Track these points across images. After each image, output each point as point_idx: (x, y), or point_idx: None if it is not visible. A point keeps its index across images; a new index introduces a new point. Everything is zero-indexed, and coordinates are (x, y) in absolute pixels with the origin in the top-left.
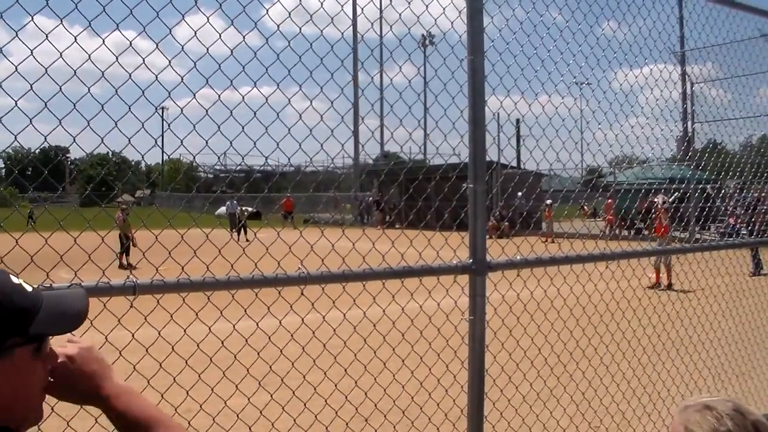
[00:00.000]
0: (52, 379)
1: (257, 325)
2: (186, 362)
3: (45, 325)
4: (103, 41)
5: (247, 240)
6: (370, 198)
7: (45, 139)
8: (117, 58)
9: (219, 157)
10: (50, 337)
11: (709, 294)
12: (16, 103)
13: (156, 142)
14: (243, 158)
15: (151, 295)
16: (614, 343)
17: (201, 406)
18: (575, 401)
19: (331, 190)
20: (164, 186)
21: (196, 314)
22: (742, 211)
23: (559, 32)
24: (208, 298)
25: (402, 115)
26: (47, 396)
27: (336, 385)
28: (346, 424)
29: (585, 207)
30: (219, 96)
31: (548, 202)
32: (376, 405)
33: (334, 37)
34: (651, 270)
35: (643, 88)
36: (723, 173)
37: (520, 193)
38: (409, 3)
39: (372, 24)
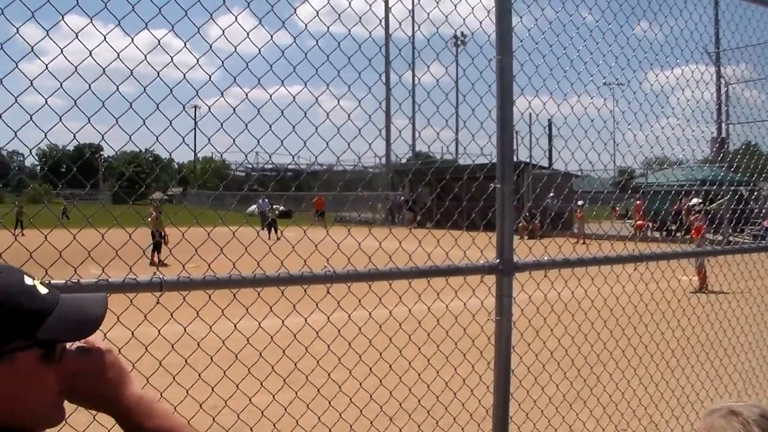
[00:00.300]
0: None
1: (283, 322)
2: (211, 359)
3: (56, 329)
4: (132, 40)
5: (278, 238)
6: (401, 197)
7: (74, 136)
8: (146, 57)
9: (245, 155)
10: (62, 343)
11: (740, 297)
12: (46, 101)
13: (183, 139)
14: (270, 156)
15: (177, 292)
16: (642, 346)
17: (226, 403)
18: (602, 404)
19: (360, 188)
20: (196, 184)
21: (222, 311)
22: None
23: (589, 32)
24: (234, 296)
25: (433, 114)
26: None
27: (361, 384)
28: (371, 422)
29: (616, 208)
30: (246, 94)
31: (579, 203)
32: (401, 404)
33: (365, 36)
34: (680, 273)
35: (674, 89)
36: (757, 175)
37: (552, 194)
38: (437, 3)
39: (400, 23)
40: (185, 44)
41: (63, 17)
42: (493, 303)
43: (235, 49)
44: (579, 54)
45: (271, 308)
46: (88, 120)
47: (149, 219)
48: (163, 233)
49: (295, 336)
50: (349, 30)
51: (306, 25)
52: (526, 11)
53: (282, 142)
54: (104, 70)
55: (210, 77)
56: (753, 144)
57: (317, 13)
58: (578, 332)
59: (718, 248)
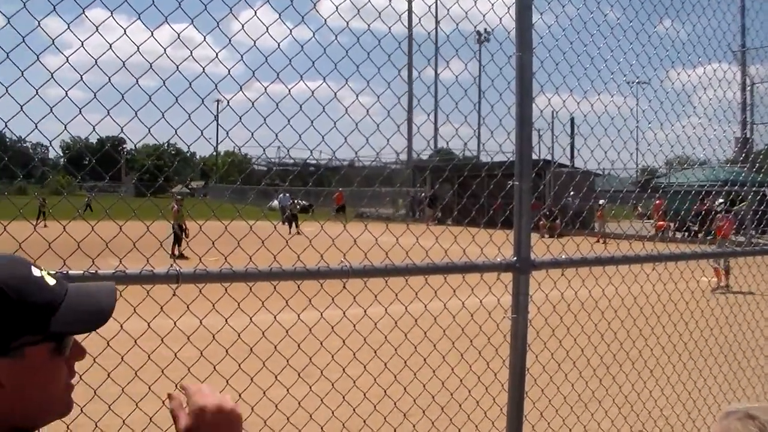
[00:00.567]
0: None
1: (298, 317)
2: (227, 352)
3: (66, 322)
4: (152, 33)
5: (298, 233)
6: (422, 194)
7: (94, 128)
8: (165, 51)
9: (264, 150)
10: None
11: (760, 299)
12: (66, 93)
13: (202, 133)
14: (288, 151)
15: (194, 285)
16: (659, 347)
17: (240, 396)
18: (617, 404)
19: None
20: (218, 178)
21: (238, 304)
22: None
23: (610, 29)
24: (251, 289)
25: (452, 111)
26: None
27: (375, 380)
28: (385, 418)
29: (638, 208)
30: (266, 89)
31: (601, 202)
32: (415, 400)
33: (385, 31)
34: (699, 273)
35: (696, 88)
36: None
37: (572, 192)
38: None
39: (420, 19)
40: (204, 38)
41: (84, 11)
42: (509, 301)
43: (255, 43)
44: (600, 51)
45: (287, 302)
46: (108, 113)
47: (171, 211)
48: (183, 226)
49: (310, 330)
50: (369, 25)
51: (325, 20)
52: (546, 8)
53: (300, 136)
54: (124, 64)
55: (229, 71)
56: None
57: (337, 8)
58: (594, 332)
59: (738, 249)
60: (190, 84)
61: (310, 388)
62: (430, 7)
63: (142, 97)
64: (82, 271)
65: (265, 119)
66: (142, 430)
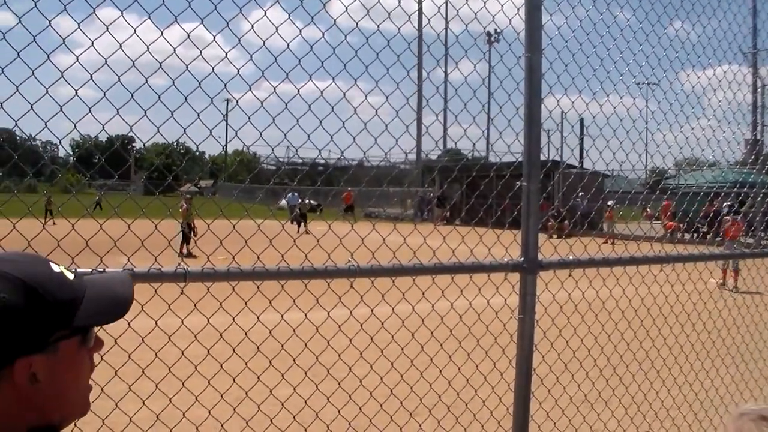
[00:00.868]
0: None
1: (305, 316)
2: (234, 350)
3: (90, 315)
4: (162, 33)
5: (307, 232)
6: (431, 194)
7: (103, 127)
8: (174, 50)
9: (272, 149)
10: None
11: (767, 301)
12: (76, 93)
13: (210, 132)
14: (297, 150)
15: (201, 283)
16: (666, 348)
17: (247, 394)
18: (624, 405)
19: (385, 184)
20: (227, 177)
21: (245, 303)
22: None
23: (620, 31)
24: (258, 288)
25: (461, 111)
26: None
27: (382, 379)
28: (391, 417)
29: (648, 209)
30: (275, 88)
31: (609, 202)
32: (421, 400)
33: (394, 32)
34: (708, 274)
35: (706, 90)
36: None
37: (581, 193)
38: (467, 0)
39: (429, 20)
40: (214, 38)
41: (94, 10)
42: (516, 301)
43: (264, 43)
44: (609, 53)
45: (294, 301)
46: (117, 111)
47: (180, 210)
48: (192, 225)
49: (317, 329)
50: (378, 26)
51: (335, 21)
52: (556, 9)
53: (309, 136)
54: (134, 63)
55: (238, 71)
56: None
57: (346, 8)
58: (602, 332)
59: (747, 251)
60: (200, 83)
61: (317, 387)
62: (439, 8)
63: (152, 96)
64: (90, 269)
65: (274, 119)
66: (149, 427)
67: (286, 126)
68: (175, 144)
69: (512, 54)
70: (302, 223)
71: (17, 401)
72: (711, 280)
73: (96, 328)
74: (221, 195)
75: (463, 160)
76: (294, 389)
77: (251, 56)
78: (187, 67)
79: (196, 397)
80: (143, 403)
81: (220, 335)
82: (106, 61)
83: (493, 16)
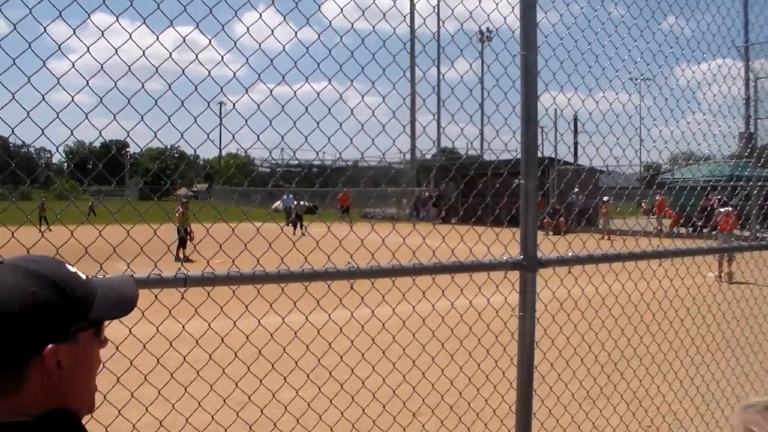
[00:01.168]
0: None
1: (306, 318)
2: (235, 354)
3: (102, 310)
4: (158, 38)
5: (303, 234)
6: (426, 193)
7: (100, 133)
8: (170, 54)
9: (270, 151)
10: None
11: (767, 294)
12: (72, 99)
13: (208, 136)
14: (294, 152)
15: (201, 288)
16: (667, 343)
17: (249, 398)
18: (626, 400)
19: (383, 184)
20: (221, 180)
21: (246, 307)
22: None
23: (614, 27)
24: (258, 291)
25: (457, 111)
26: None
27: (384, 380)
28: (394, 418)
29: (643, 204)
30: (271, 91)
31: (605, 198)
32: (423, 400)
33: (379, 31)
34: (707, 268)
35: (701, 84)
36: None
37: (576, 190)
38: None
39: (425, 20)
40: (210, 42)
41: (89, 16)
42: (516, 299)
43: (260, 45)
44: (604, 49)
45: (294, 304)
46: (114, 117)
47: (176, 215)
48: (189, 229)
49: (318, 332)
50: (374, 27)
51: (330, 22)
52: (550, 7)
53: (306, 138)
54: (129, 68)
55: (234, 74)
56: None
57: (341, 10)
58: (602, 328)
59: (744, 244)
60: (196, 87)
61: (320, 389)
62: (434, 7)
63: (145, 100)
64: (92, 275)
65: (270, 121)
66: None
67: (281, 128)
68: (169, 148)
69: (507, 52)
70: (299, 225)
71: (44, 387)
72: (709, 273)
73: (106, 323)
74: (217, 199)
75: (459, 159)
76: (296, 392)
77: (247, 59)
78: (183, 71)
79: (199, 403)
80: (146, 409)
81: (222, 340)
82: (102, 66)
83: (488, 15)
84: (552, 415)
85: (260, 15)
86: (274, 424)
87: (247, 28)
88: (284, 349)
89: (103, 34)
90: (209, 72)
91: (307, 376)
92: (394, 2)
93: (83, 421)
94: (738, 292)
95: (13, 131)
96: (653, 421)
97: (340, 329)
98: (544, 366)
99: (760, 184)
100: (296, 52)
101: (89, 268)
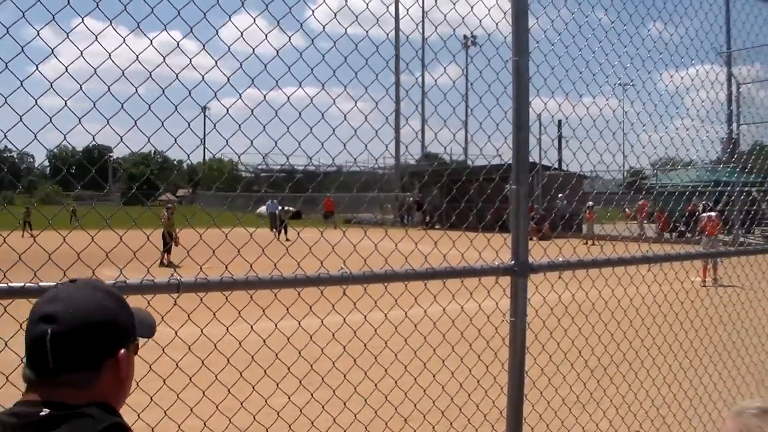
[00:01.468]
0: None
1: (299, 324)
2: (228, 360)
3: (139, 330)
4: (152, 42)
5: (287, 239)
6: (411, 199)
7: (93, 138)
8: (165, 59)
9: (239, 156)
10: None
11: (753, 298)
12: (66, 103)
13: (203, 142)
14: (265, 157)
15: (194, 294)
16: (655, 347)
17: (242, 404)
18: (615, 405)
19: (372, 190)
20: (205, 185)
21: (239, 313)
22: None
23: (605, 33)
24: (251, 297)
25: (444, 116)
26: None
27: (376, 385)
28: (386, 423)
29: (627, 210)
30: (240, 95)
31: (590, 204)
32: (415, 405)
33: (377, 38)
34: (695, 273)
35: (689, 89)
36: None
37: (561, 195)
38: (454, 4)
39: (418, 25)
40: (204, 46)
41: (83, 20)
42: (507, 304)
43: (229, 49)
44: (594, 55)
45: (287, 310)
46: (108, 122)
47: (162, 220)
48: (174, 234)
49: (311, 337)
50: (367, 32)
51: (324, 27)
52: (542, 12)
53: (299, 143)
54: (123, 72)
55: (228, 79)
56: (766, 144)
57: (335, 15)
58: (592, 333)
59: (732, 249)
60: (190, 92)
61: (312, 395)
62: (427, 12)
63: (131, 106)
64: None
65: (264, 127)
66: None
67: (272, 134)
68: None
69: (499, 58)
70: (284, 230)
71: (112, 387)
72: (697, 278)
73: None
74: (200, 203)
75: (443, 164)
76: (289, 398)
77: (241, 64)
78: (177, 75)
79: (191, 409)
80: (138, 415)
81: (215, 345)
82: (95, 71)
83: (480, 21)
84: (542, 420)
85: (254, 20)
86: (267, 429)
87: (241, 33)
88: (277, 354)
89: (97, 38)
90: (203, 77)
91: (300, 381)
92: (387, 8)
93: None
94: (725, 297)
95: (5, 136)
96: (642, 426)
97: (333, 335)
98: (535, 371)
99: (738, 189)
100: (290, 58)
101: (82, 274)
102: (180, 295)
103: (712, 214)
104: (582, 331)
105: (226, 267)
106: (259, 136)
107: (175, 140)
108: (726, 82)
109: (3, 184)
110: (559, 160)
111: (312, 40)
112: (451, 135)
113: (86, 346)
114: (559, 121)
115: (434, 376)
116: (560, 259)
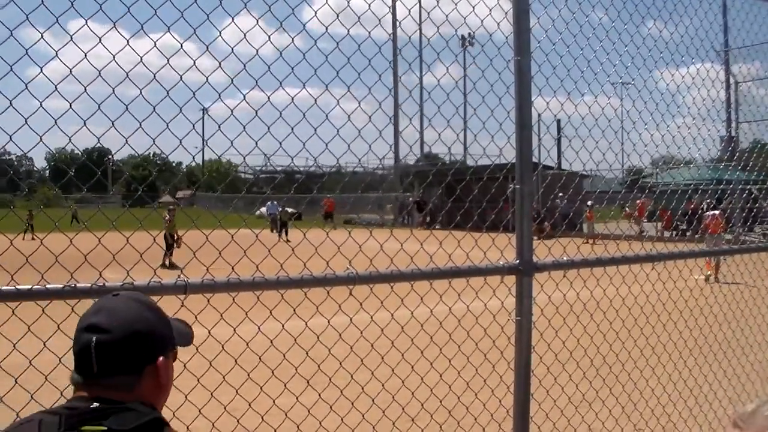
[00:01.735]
0: None
1: (306, 324)
2: (235, 361)
3: (177, 339)
4: (155, 44)
5: (288, 240)
6: (410, 199)
7: (98, 140)
8: (168, 60)
9: (243, 157)
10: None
11: (756, 296)
12: (70, 105)
13: (206, 143)
14: (268, 158)
15: (201, 294)
16: (660, 345)
17: (250, 405)
18: (621, 403)
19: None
20: (206, 187)
21: (246, 314)
22: None
23: (605, 32)
24: (258, 298)
25: (439, 116)
26: None
27: (383, 385)
28: (393, 423)
29: (627, 209)
30: (269, 97)
31: (589, 203)
32: (422, 405)
33: (378, 38)
34: (697, 272)
35: (690, 88)
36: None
37: (560, 194)
38: (455, 4)
39: (420, 25)
40: (181, 46)
41: (86, 22)
42: (513, 303)
43: (232, 50)
44: (596, 54)
45: (294, 310)
46: (113, 124)
47: (165, 223)
48: (176, 236)
49: (318, 338)
50: (369, 32)
51: (327, 28)
52: (543, 12)
53: (304, 144)
54: (127, 74)
55: (232, 80)
56: (765, 142)
57: (338, 15)
58: (597, 332)
59: (735, 247)
60: (194, 94)
61: (319, 395)
62: (429, 12)
63: (130, 107)
64: (89, 284)
65: (269, 128)
66: None
67: (261, 135)
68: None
69: (501, 57)
70: (284, 231)
71: (153, 390)
72: (700, 276)
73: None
74: (199, 206)
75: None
76: (297, 398)
77: (245, 65)
78: (181, 77)
79: (199, 410)
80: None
81: (222, 347)
82: (99, 73)
83: (482, 21)
84: (549, 419)
85: (255, 22)
86: (275, 430)
87: (244, 35)
88: (284, 355)
89: (100, 40)
90: (207, 79)
91: (307, 382)
92: (390, 9)
93: None
94: (729, 295)
95: (11, 138)
96: (648, 424)
97: (340, 335)
98: (541, 369)
99: (740, 187)
100: (293, 58)
101: (87, 276)
102: (187, 296)
103: (716, 212)
104: (587, 330)
105: (233, 268)
106: (257, 137)
107: (180, 142)
108: (724, 80)
109: (0, 187)
110: (559, 160)
111: (314, 41)
112: (451, 135)
113: (128, 352)
114: (558, 120)
115: (441, 376)
116: (564, 258)
